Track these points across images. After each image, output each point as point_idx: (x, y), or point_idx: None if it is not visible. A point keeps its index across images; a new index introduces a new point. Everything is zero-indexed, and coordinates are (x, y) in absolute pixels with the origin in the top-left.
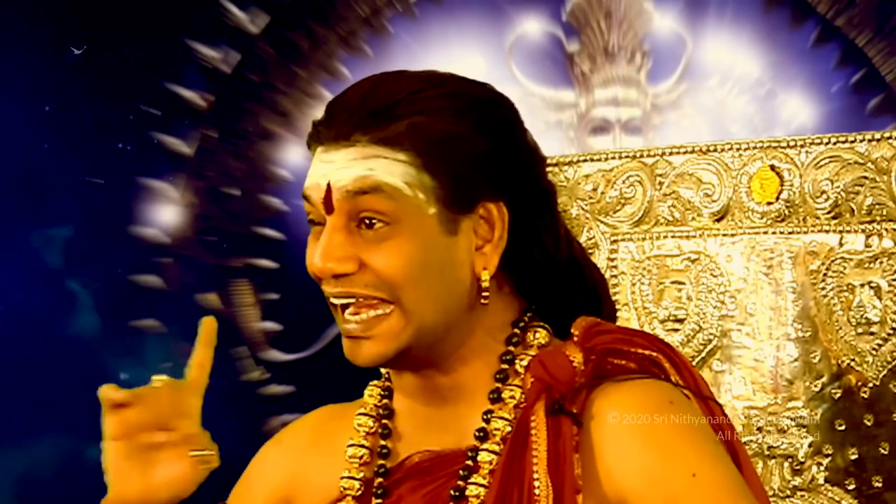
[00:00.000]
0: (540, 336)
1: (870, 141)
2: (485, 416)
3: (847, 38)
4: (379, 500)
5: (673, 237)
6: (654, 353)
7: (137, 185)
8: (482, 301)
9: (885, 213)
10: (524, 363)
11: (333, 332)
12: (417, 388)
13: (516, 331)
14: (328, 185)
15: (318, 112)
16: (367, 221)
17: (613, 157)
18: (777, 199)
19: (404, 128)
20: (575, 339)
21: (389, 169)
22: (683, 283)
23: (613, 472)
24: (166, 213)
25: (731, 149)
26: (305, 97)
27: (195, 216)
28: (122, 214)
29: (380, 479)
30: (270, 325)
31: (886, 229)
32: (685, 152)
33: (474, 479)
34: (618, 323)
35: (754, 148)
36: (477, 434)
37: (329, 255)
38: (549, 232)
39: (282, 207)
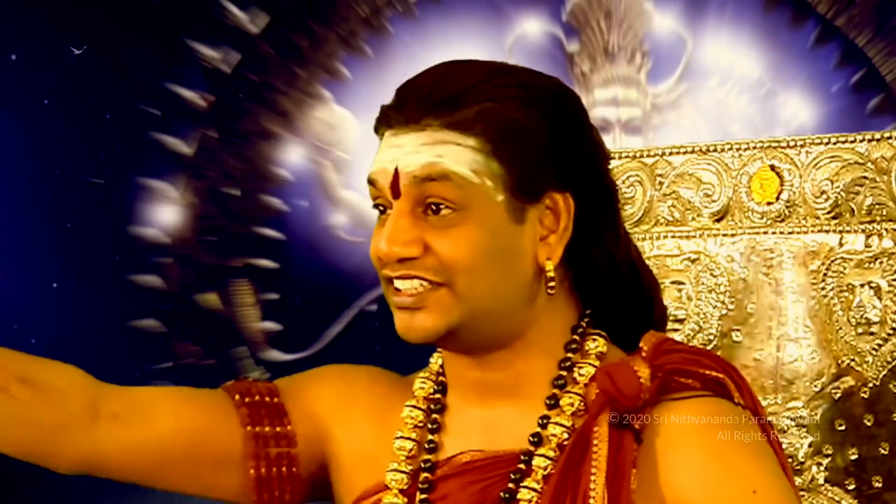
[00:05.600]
0: (599, 344)
1: (870, 141)
2: (541, 422)
3: (847, 38)
4: (424, 496)
5: (673, 237)
6: (720, 375)
7: (137, 185)
8: (549, 291)
9: (885, 213)
10: (583, 371)
11: (333, 332)
12: (472, 384)
13: (575, 337)
14: (396, 169)
15: (319, 112)
16: (434, 207)
17: (613, 157)
18: (777, 199)
19: (475, 113)
20: (643, 354)
21: (458, 156)
22: (683, 283)
23: (674, 485)
24: (166, 213)
25: (731, 149)
26: (305, 97)
27: (195, 216)
28: (122, 214)
29: (426, 474)
30: (270, 325)
31: (886, 229)
32: (685, 152)
33: (527, 482)
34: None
35: (754, 148)
36: (531, 439)
37: (394, 240)
38: (610, 229)
39: (282, 207)
